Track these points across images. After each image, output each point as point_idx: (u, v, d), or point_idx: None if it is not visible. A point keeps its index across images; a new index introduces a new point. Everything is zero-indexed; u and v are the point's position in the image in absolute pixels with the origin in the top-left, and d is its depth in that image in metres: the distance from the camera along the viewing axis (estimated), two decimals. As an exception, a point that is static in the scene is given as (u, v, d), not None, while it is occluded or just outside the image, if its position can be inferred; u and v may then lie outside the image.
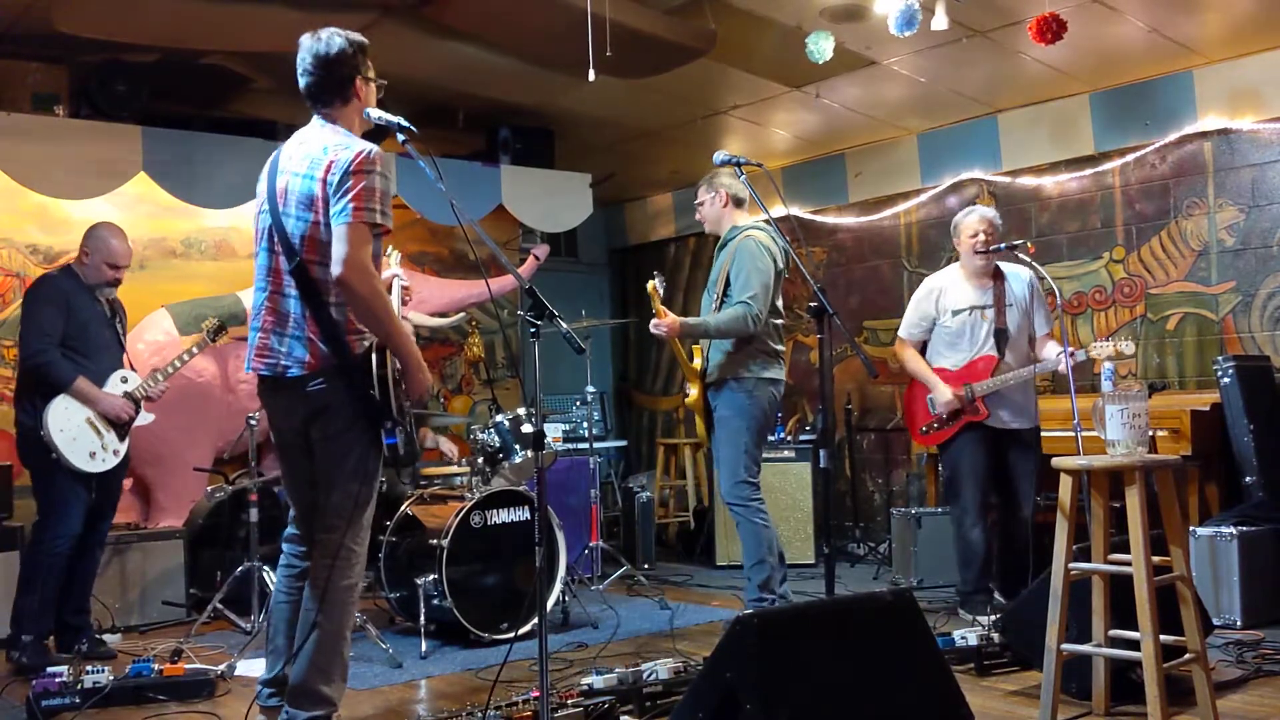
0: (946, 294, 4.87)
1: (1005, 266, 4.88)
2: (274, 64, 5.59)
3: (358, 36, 3.12)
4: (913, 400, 4.97)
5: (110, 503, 4.61)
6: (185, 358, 4.72)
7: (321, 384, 2.98)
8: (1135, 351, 4.30)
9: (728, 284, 4.49)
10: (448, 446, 6.10)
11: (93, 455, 4.37)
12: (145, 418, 4.60)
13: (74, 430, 4.33)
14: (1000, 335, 4.73)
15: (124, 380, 4.51)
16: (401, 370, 3.04)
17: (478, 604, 4.53)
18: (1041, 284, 4.88)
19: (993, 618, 4.23)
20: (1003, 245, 4.66)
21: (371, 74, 3.15)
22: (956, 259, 4.96)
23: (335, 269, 2.87)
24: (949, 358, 4.83)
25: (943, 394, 4.74)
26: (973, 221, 4.79)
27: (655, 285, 4.56)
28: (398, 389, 3.03)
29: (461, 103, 6.37)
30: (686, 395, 4.71)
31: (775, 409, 4.58)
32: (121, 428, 4.47)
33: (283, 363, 3.02)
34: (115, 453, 4.45)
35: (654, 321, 4.43)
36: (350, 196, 2.90)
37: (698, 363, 4.61)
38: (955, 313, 4.81)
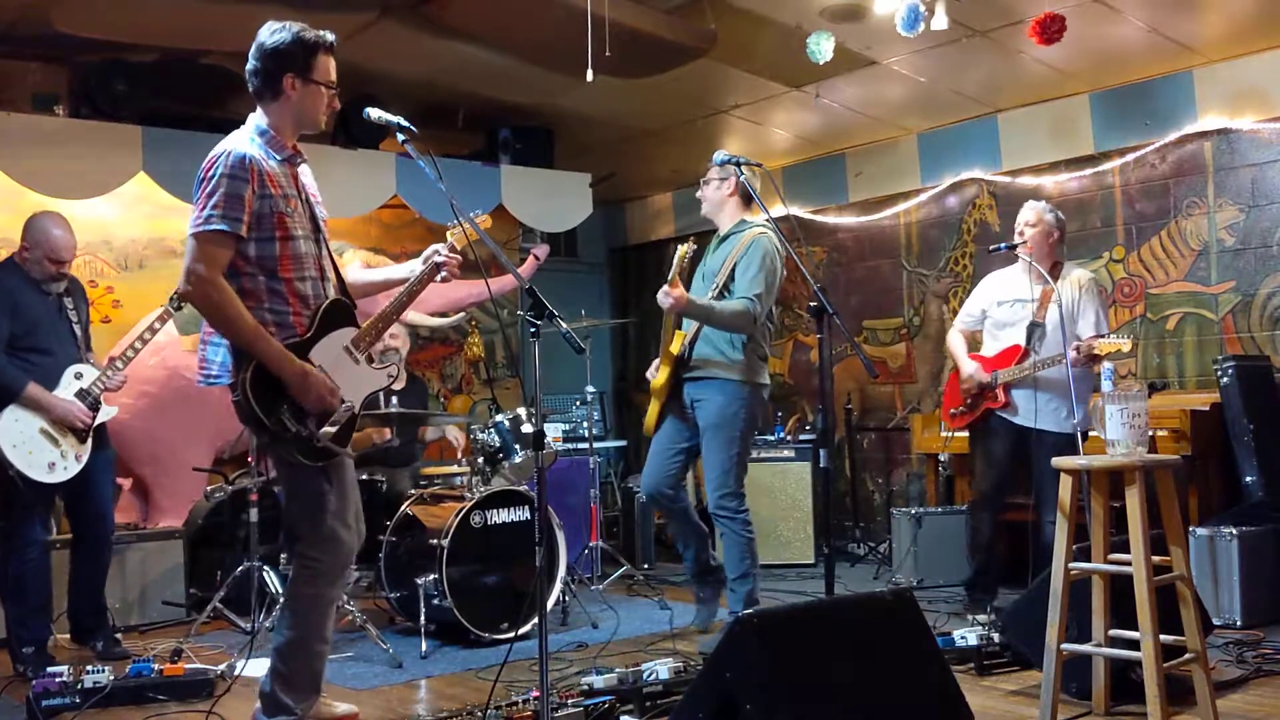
0: (999, 286, 4.87)
1: (1068, 267, 4.78)
2: (274, 64, 5.59)
3: (316, 36, 3.05)
4: (951, 386, 5.01)
5: (100, 502, 4.46)
6: (147, 336, 4.46)
7: (238, 395, 2.96)
8: (1132, 349, 4.27)
9: (730, 277, 4.39)
10: (454, 434, 6.06)
11: (52, 466, 4.16)
12: (108, 412, 4.38)
13: (28, 443, 4.12)
14: (1033, 328, 4.65)
15: (78, 376, 4.28)
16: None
17: (478, 604, 4.52)
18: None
19: (990, 616, 4.24)
20: (1003, 245, 4.64)
21: (319, 78, 3.05)
22: (958, 259, 4.95)
23: (179, 283, 2.93)
24: (990, 346, 4.85)
25: (967, 368, 4.77)
26: (1020, 214, 4.75)
27: (686, 250, 4.34)
28: (272, 397, 2.94)
29: (461, 103, 6.37)
30: (652, 376, 4.54)
31: (764, 413, 4.56)
32: (80, 431, 4.25)
33: (214, 372, 3.04)
34: (78, 458, 4.24)
35: (664, 289, 4.22)
36: (196, 207, 2.95)
37: (676, 346, 4.47)
38: (1001, 302, 4.82)
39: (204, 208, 2.92)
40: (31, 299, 4.26)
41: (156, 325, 4.49)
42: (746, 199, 4.56)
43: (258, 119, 3.10)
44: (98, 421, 4.35)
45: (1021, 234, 4.66)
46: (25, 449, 4.12)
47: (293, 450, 2.97)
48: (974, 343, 4.99)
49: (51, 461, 4.19)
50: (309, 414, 2.98)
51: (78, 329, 4.42)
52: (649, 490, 4.64)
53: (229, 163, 2.93)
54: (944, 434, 5.39)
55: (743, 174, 4.14)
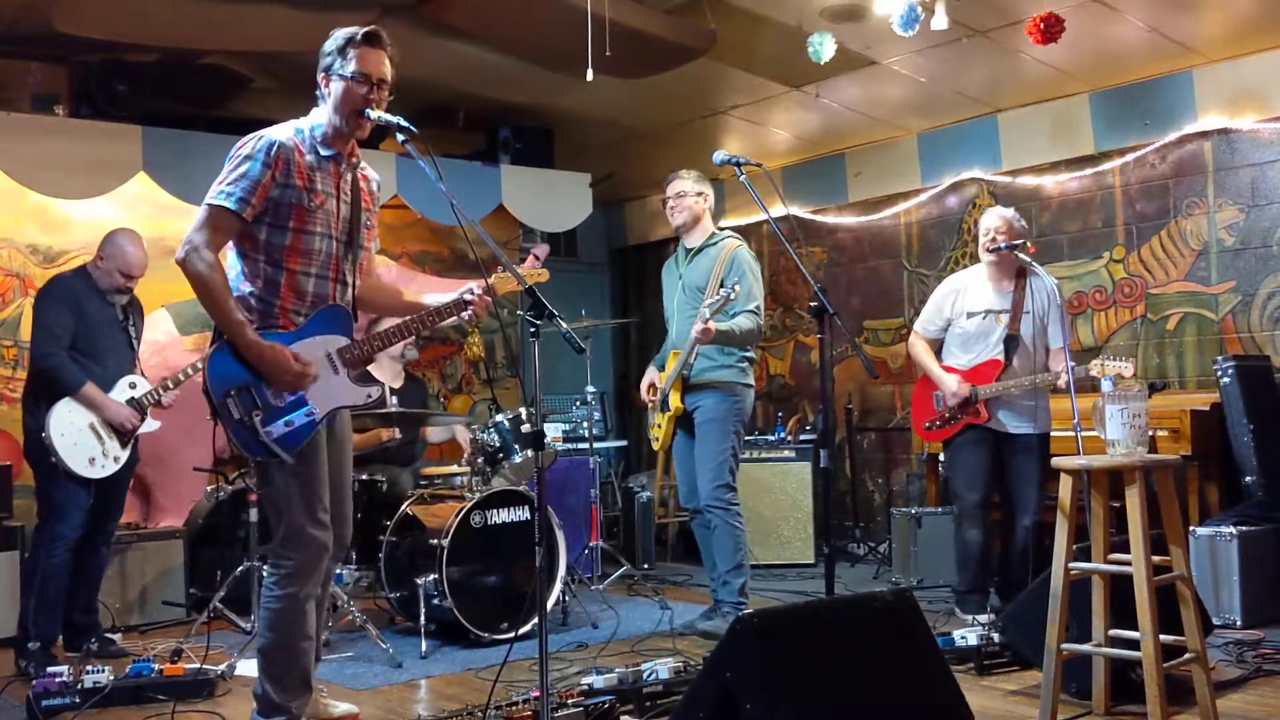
0: (965, 295, 4.82)
1: (1035, 273, 4.79)
2: (274, 64, 5.59)
3: (347, 32, 3.07)
4: (920, 396, 4.96)
5: (115, 505, 4.58)
6: (199, 364, 4.55)
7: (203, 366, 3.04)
8: (1134, 371, 4.26)
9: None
10: (464, 435, 6.04)
11: (92, 461, 4.31)
12: (150, 425, 4.54)
13: (75, 435, 4.28)
14: (1010, 342, 4.67)
15: (132, 386, 4.46)
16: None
17: (478, 604, 4.52)
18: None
19: (990, 617, 4.23)
20: (1003, 245, 4.63)
21: (344, 70, 3.04)
22: (958, 259, 4.95)
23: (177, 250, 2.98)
24: (960, 358, 4.80)
25: (950, 384, 4.70)
26: (986, 220, 4.74)
27: (731, 294, 4.48)
28: (229, 378, 2.98)
29: (461, 103, 6.37)
30: (665, 409, 4.69)
31: (751, 411, 4.74)
32: (125, 434, 4.41)
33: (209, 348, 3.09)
34: (116, 459, 4.39)
35: (701, 328, 4.42)
36: (217, 179, 3.02)
37: (676, 399, 4.68)
38: (970, 315, 4.77)
39: (221, 182, 3.01)
40: (96, 306, 4.43)
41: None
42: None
43: (316, 116, 3.15)
44: (140, 431, 4.49)
45: (995, 240, 4.65)
46: (71, 439, 4.28)
47: (231, 437, 3.00)
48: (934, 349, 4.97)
49: (92, 457, 4.33)
50: (258, 408, 2.99)
51: (135, 342, 4.59)
52: (690, 503, 4.79)
53: (256, 146, 3.02)
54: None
55: (742, 174, 4.13)
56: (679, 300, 4.78)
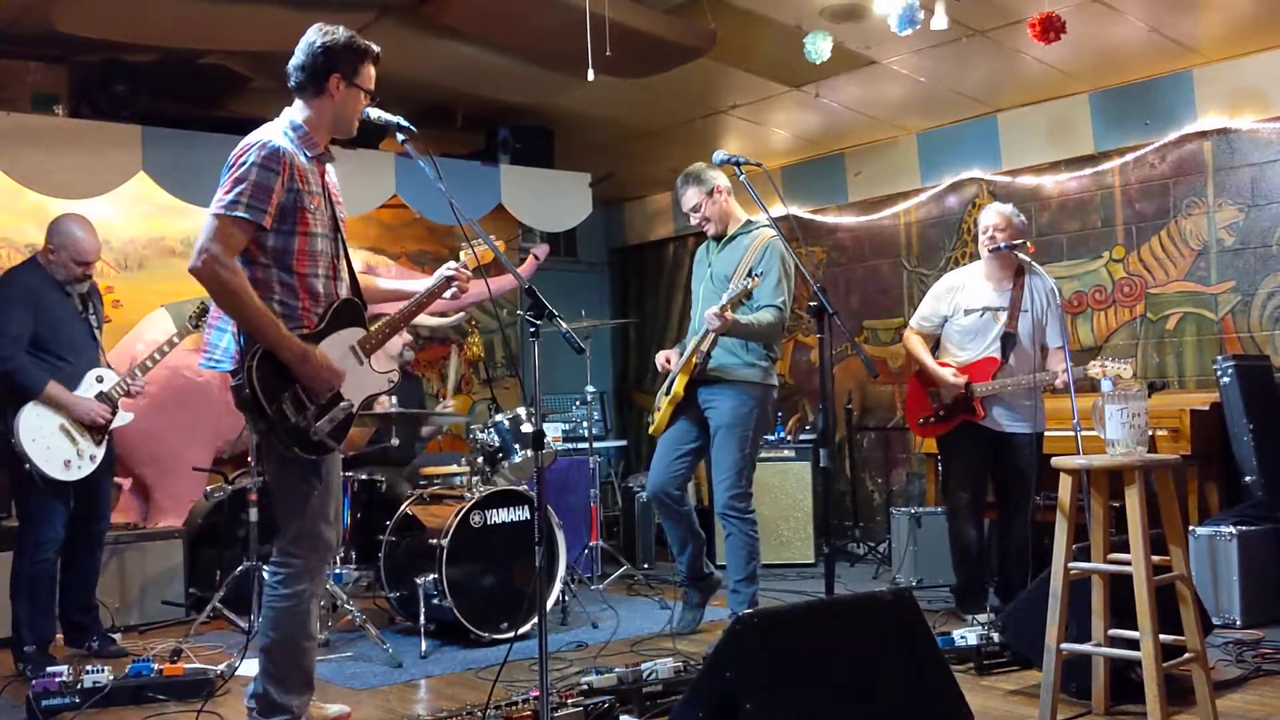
0: (963, 292, 4.80)
1: (1034, 272, 4.78)
2: (274, 64, 5.55)
3: (365, 44, 3.13)
4: (913, 392, 4.94)
5: (98, 508, 4.49)
6: (165, 349, 4.54)
7: (240, 381, 2.96)
8: (1134, 372, 4.26)
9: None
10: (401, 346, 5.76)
11: (67, 464, 4.21)
12: (124, 417, 4.43)
13: (46, 439, 4.17)
14: (1007, 339, 4.67)
15: (99, 380, 4.33)
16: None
17: (478, 604, 4.52)
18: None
19: (989, 617, 4.23)
20: (1003, 245, 4.63)
21: (361, 82, 3.12)
22: (957, 259, 4.94)
23: (190, 260, 2.93)
24: (957, 355, 4.78)
25: (946, 377, 4.67)
26: (985, 217, 4.73)
27: (751, 286, 4.37)
28: (276, 384, 2.95)
29: (461, 103, 6.37)
30: (667, 392, 4.59)
31: (773, 414, 4.59)
32: (98, 431, 4.31)
33: (216, 356, 3.06)
34: (92, 458, 4.29)
35: (715, 313, 4.27)
36: (222, 189, 2.96)
37: (681, 386, 4.54)
38: (969, 311, 4.75)
39: (230, 191, 2.93)
40: (55, 300, 4.29)
41: (175, 340, 4.58)
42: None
43: (293, 114, 3.13)
44: (113, 425, 4.40)
45: (993, 239, 4.65)
46: (44, 444, 4.18)
47: (288, 441, 2.97)
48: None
49: (67, 459, 4.24)
50: (309, 406, 2.99)
51: (97, 332, 4.46)
52: (655, 491, 4.66)
53: (263, 153, 2.96)
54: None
55: (741, 173, 4.12)
56: (705, 288, 4.62)
